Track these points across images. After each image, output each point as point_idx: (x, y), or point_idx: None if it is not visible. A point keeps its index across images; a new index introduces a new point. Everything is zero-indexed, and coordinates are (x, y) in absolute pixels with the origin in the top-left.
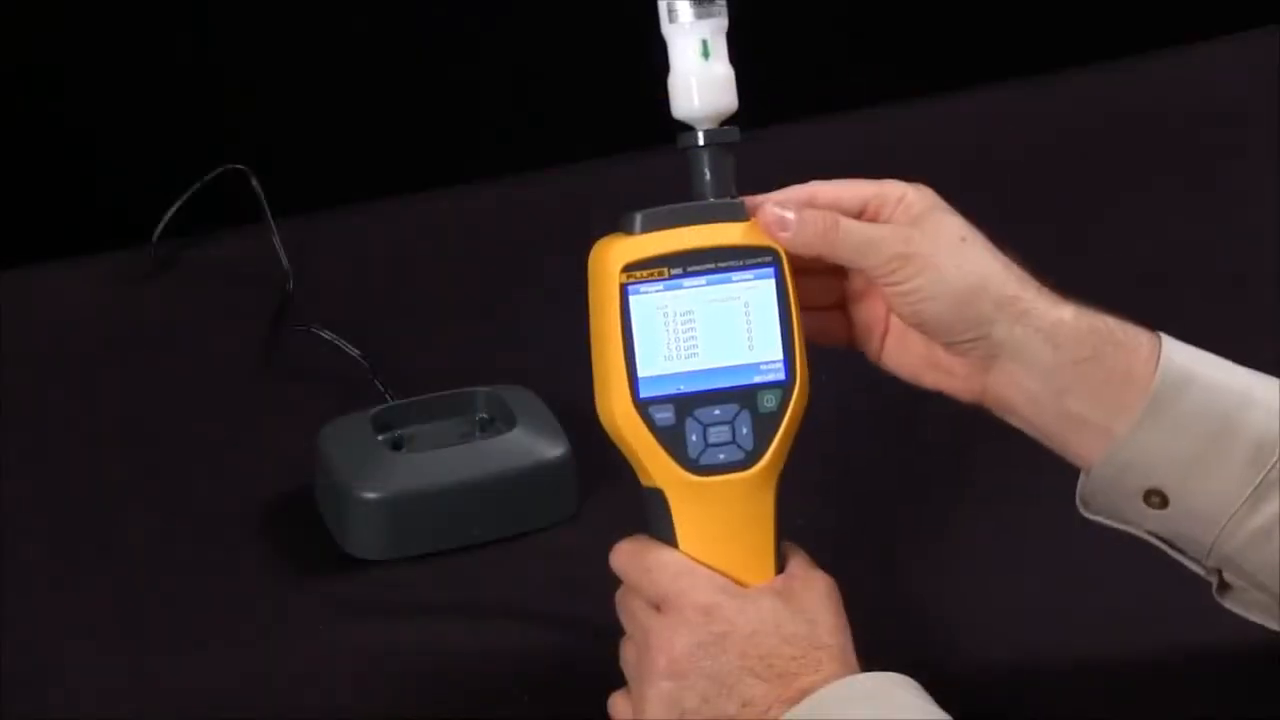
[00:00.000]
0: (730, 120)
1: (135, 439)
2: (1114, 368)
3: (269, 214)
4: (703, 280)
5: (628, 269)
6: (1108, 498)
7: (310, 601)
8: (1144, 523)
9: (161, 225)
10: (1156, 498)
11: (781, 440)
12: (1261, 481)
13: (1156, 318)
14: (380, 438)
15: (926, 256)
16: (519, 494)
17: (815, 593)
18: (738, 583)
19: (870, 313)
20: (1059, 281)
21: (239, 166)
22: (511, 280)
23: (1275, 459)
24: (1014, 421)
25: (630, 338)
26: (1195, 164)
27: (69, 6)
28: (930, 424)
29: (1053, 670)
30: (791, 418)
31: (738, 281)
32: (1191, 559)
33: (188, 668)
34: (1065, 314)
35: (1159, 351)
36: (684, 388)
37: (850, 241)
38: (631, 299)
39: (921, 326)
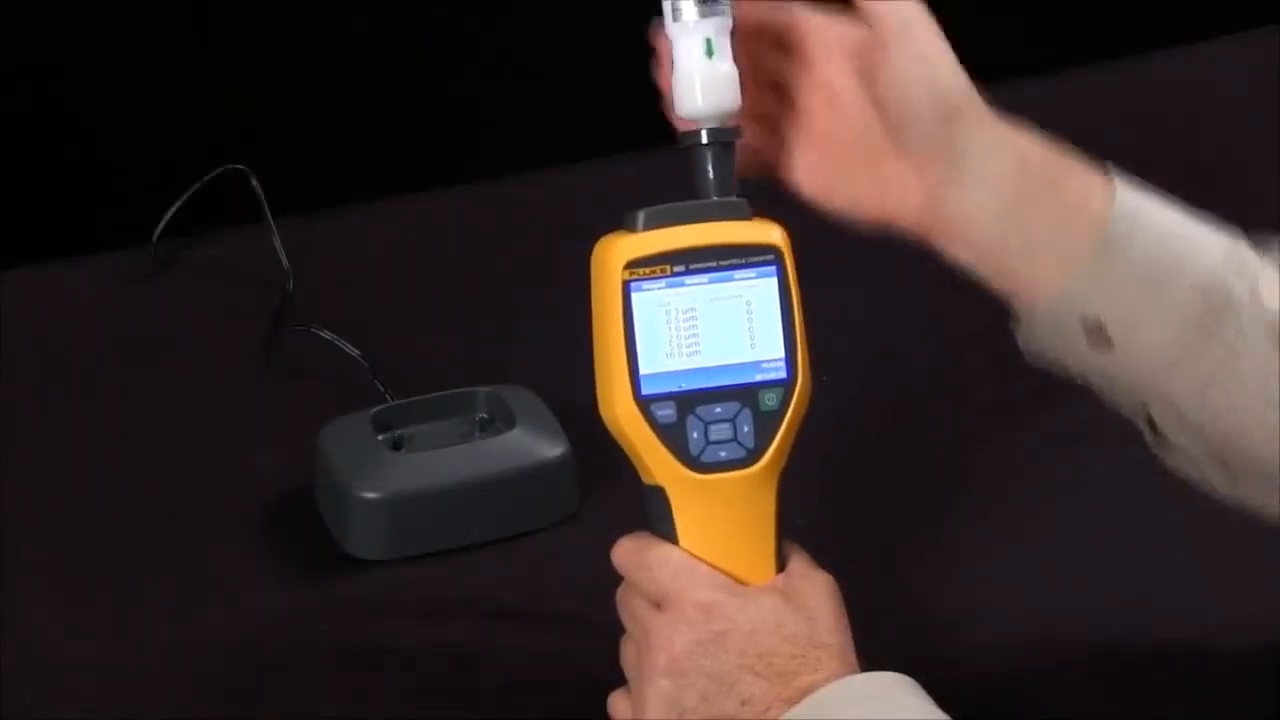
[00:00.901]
0: (733, 119)
1: (135, 439)
2: (1073, 195)
3: (269, 214)
4: (705, 278)
5: (630, 266)
6: (1051, 333)
7: (310, 601)
8: (1085, 362)
9: (161, 225)
10: (1100, 336)
11: (783, 439)
12: (1206, 325)
13: None
14: (380, 438)
15: (928, 36)
16: (519, 494)
17: (816, 591)
18: (738, 581)
19: (808, 124)
20: None
21: (239, 166)
22: (511, 280)
23: (1220, 302)
24: (959, 249)
25: (632, 335)
26: (1195, 164)
27: (69, 7)
28: (930, 424)
29: (1052, 670)
30: (793, 416)
31: (740, 280)
32: (1130, 405)
33: (188, 667)
34: (1028, 137)
35: (1113, 188)
36: (685, 385)
37: None
38: (634, 296)
39: (898, 112)
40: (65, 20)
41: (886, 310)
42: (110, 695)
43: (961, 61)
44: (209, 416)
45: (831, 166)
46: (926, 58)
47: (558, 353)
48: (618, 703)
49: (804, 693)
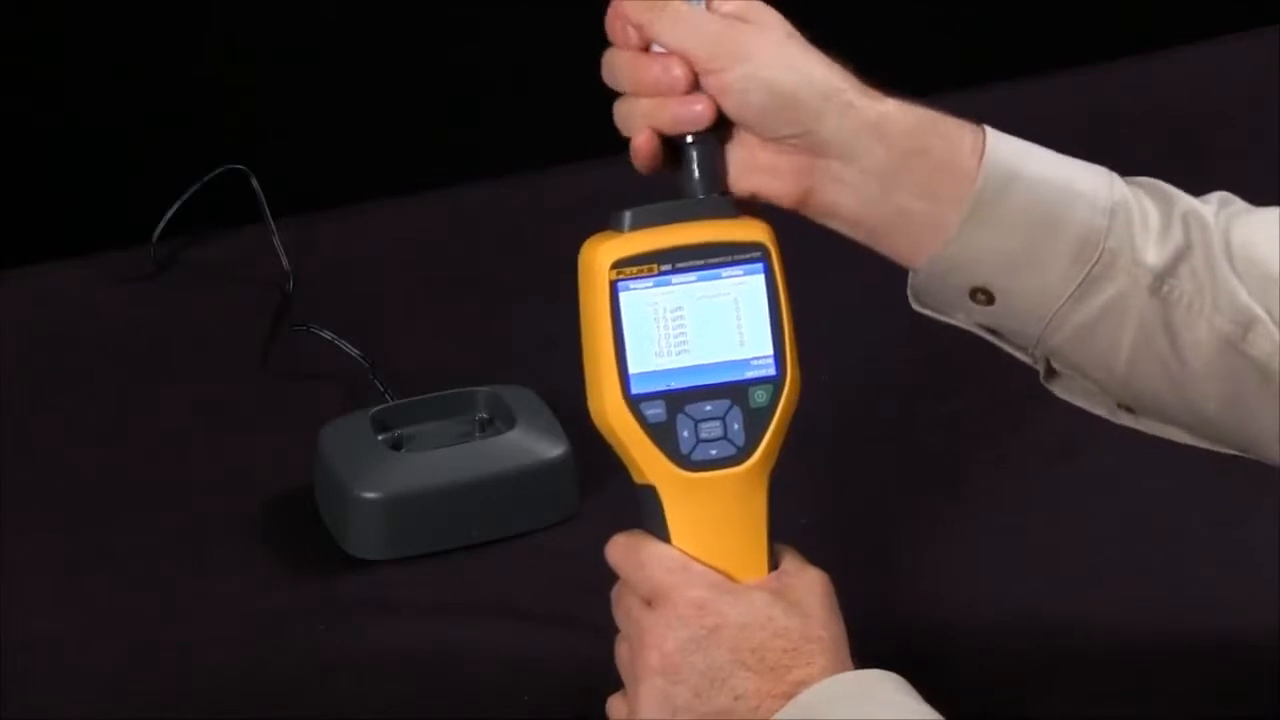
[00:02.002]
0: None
1: (135, 439)
2: (940, 160)
3: (269, 214)
4: (693, 276)
5: (617, 265)
6: (936, 295)
7: (310, 601)
8: (971, 317)
9: (161, 225)
10: (982, 295)
11: (773, 436)
12: (1085, 277)
13: None
14: (380, 438)
15: (750, 46)
16: (519, 494)
17: (808, 587)
18: (731, 578)
19: None
20: None
21: (239, 166)
22: (511, 280)
23: (1098, 254)
24: (837, 224)
25: (620, 335)
26: (1195, 164)
27: (69, 7)
28: (928, 425)
29: (1052, 669)
30: (783, 413)
31: (727, 278)
32: (1018, 349)
33: (187, 667)
34: (890, 107)
35: (984, 145)
36: (675, 384)
37: (674, 23)
38: (621, 296)
39: (744, 120)
40: (65, 21)
41: (885, 309)
42: (110, 695)
43: (962, 61)
44: (209, 416)
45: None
46: (758, 74)
47: (558, 353)
48: (614, 704)
49: (796, 686)
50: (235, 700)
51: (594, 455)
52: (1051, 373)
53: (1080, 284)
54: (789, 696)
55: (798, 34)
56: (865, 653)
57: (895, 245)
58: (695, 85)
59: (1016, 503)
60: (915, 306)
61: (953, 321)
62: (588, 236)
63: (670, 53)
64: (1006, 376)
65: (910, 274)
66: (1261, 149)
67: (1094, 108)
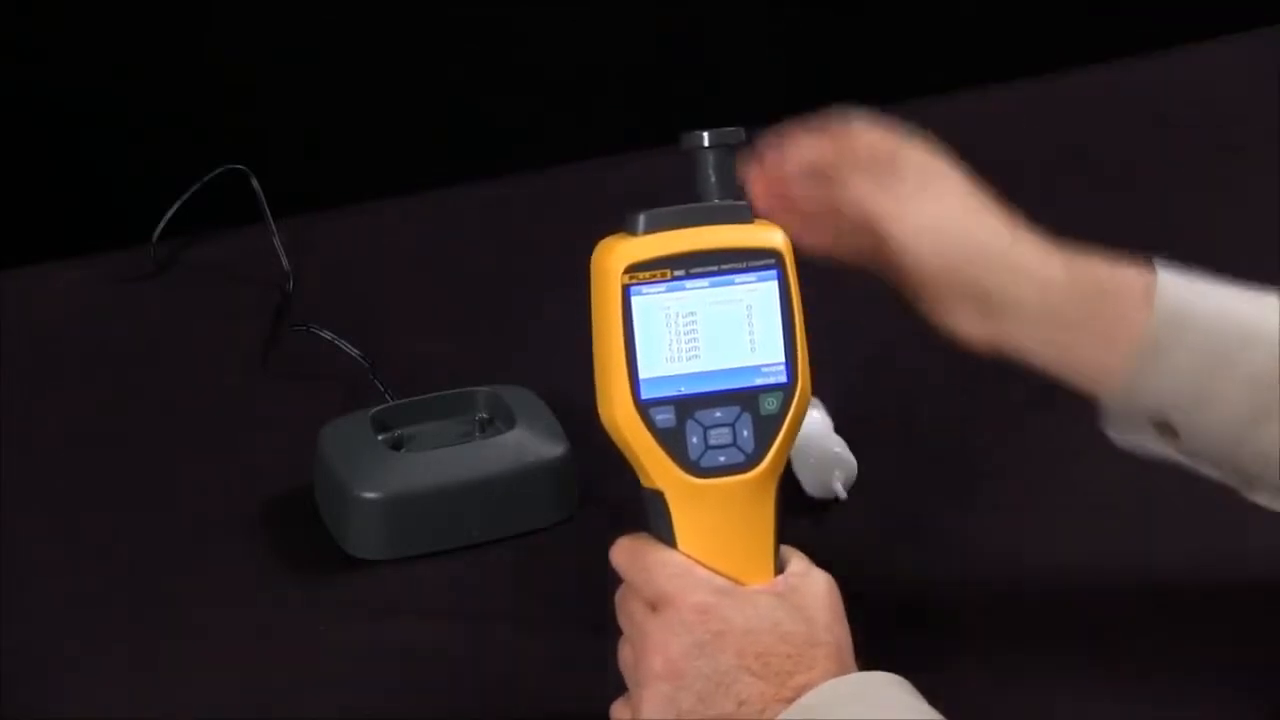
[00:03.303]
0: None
1: (135, 439)
2: (1110, 319)
3: (269, 214)
4: (705, 282)
5: (630, 270)
6: (1125, 430)
7: (310, 601)
8: (1163, 449)
9: (161, 225)
10: (1167, 430)
11: (782, 443)
12: (1261, 407)
13: None
14: (380, 438)
15: (934, 194)
16: (519, 494)
17: (813, 591)
18: (736, 583)
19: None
20: None
21: (239, 166)
22: (511, 280)
23: (1269, 393)
24: (1028, 362)
25: (632, 339)
26: (1195, 164)
27: (70, 7)
28: (930, 425)
29: (1052, 670)
30: (793, 420)
31: (740, 284)
32: (1214, 472)
33: (187, 668)
34: (1055, 271)
35: (1154, 292)
36: (685, 389)
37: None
38: (634, 300)
39: (911, 276)
40: (66, 21)
41: (886, 310)
42: (110, 695)
43: (962, 61)
44: (209, 416)
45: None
46: (928, 226)
47: (558, 353)
48: (618, 708)
49: (800, 691)
50: (235, 700)
51: (594, 455)
52: (1250, 484)
53: (1260, 414)
54: (792, 701)
55: (968, 186)
56: (867, 656)
57: (1079, 386)
58: None
59: (1017, 506)
60: (1110, 436)
61: (1148, 455)
62: (588, 236)
63: None
64: (1007, 381)
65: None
66: (1261, 149)
67: (1094, 108)
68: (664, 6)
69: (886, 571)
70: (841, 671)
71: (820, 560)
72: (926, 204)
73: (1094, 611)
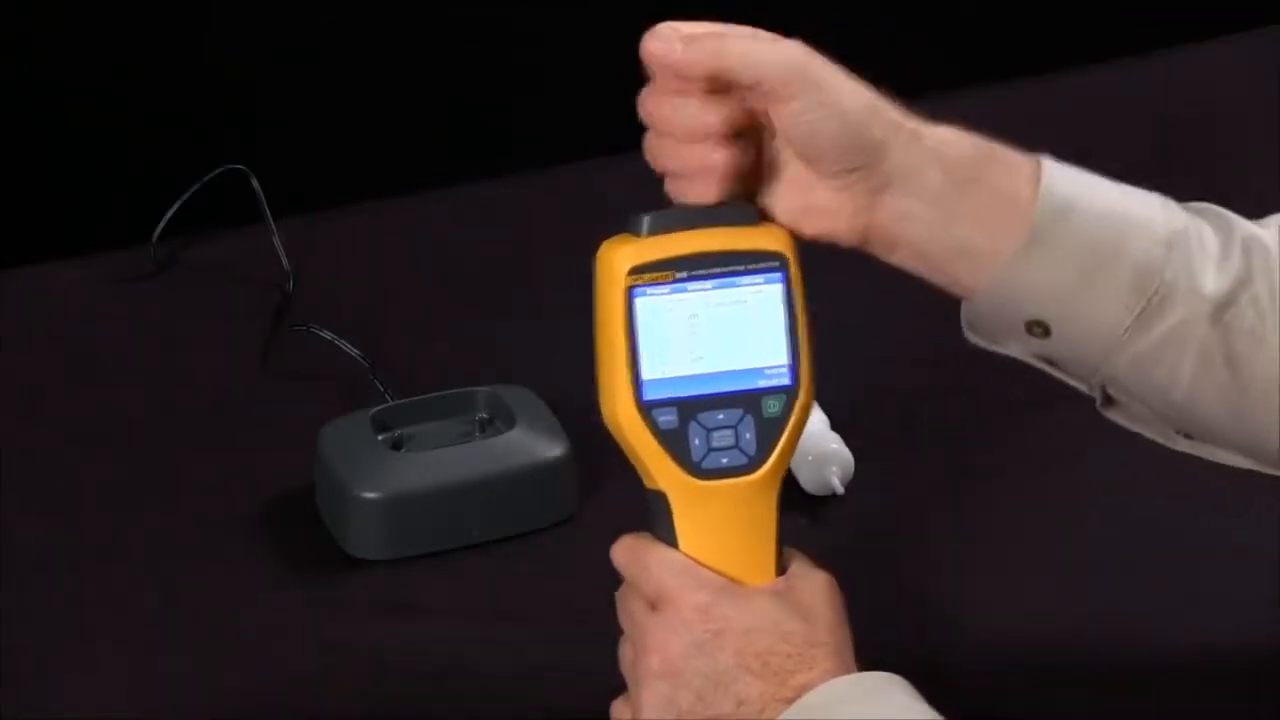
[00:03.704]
0: None
1: (135, 439)
2: (998, 190)
3: (269, 214)
4: (709, 284)
5: (634, 271)
6: (990, 326)
7: (310, 601)
8: (1027, 348)
9: (161, 225)
10: (1039, 328)
11: (785, 446)
12: (1144, 309)
13: None
14: (380, 438)
15: (821, 75)
16: (519, 494)
17: (814, 591)
18: (737, 584)
19: (747, 155)
20: None
21: (239, 166)
22: (511, 280)
23: (1156, 285)
24: (897, 258)
25: (635, 340)
26: (1195, 164)
27: (70, 7)
28: (928, 422)
29: (1052, 670)
30: (795, 423)
31: (744, 285)
32: (1075, 378)
33: (187, 668)
34: (948, 134)
35: (1040, 175)
36: (688, 391)
37: (742, 54)
38: (637, 301)
39: (814, 151)
40: (65, 21)
41: (886, 310)
42: (111, 695)
43: (962, 61)
44: (209, 416)
45: (771, 192)
46: (831, 100)
47: (558, 353)
48: (618, 708)
49: (800, 691)
50: (236, 700)
51: (594, 455)
52: (1108, 400)
53: (1139, 315)
54: (792, 701)
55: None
56: (867, 655)
57: (953, 276)
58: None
59: (1018, 503)
60: (969, 337)
61: (1007, 352)
62: (588, 236)
63: (733, 83)
64: (1006, 381)
65: (964, 304)
66: (1261, 149)
67: (1094, 108)
68: (664, 6)
69: (884, 568)
70: (842, 671)
71: (817, 556)
72: (827, 73)
73: (1093, 610)
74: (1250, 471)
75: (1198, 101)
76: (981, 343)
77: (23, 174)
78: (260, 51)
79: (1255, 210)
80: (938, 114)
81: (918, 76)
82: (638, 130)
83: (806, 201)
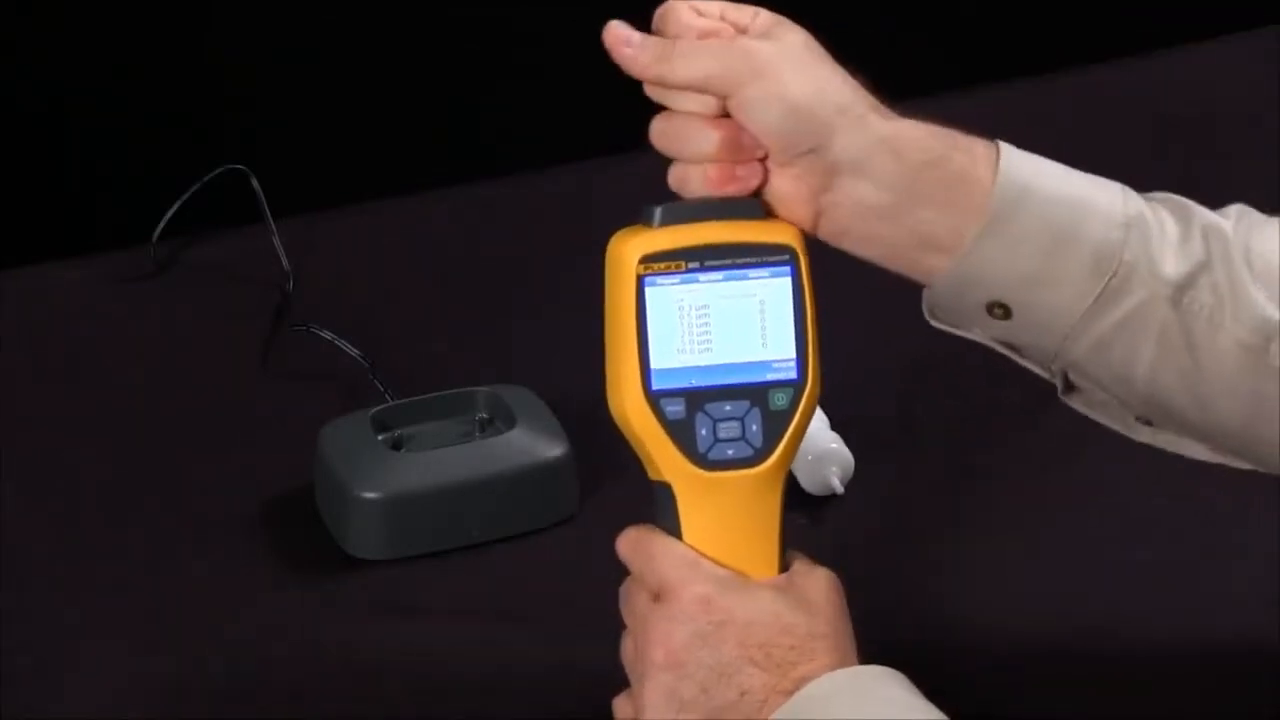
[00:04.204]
0: None
1: (135, 439)
2: (955, 173)
3: (269, 214)
4: (719, 275)
5: (645, 260)
6: (952, 310)
7: (310, 601)
8: (988, 331)
9: (161, 225)
10: (999, 310)
11: (790, 439)
12: (1103, 291)
13: None
14: (380, 438)
15: (766, 64)
16: (519, 494)
17: (816, 585)
18: (741, 576)
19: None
20: None
21: (239, 166)
22: (511, 280)
23: (1115, 267)
24: (851, 245)
25: (644, 329)
26: (1195, 164)
27: (70, 7)
28: (928, 422)
29: (1052, 668)
30: (802, 417)
31: (754, 278)
32: (1035, 363)
33: (187, 668)
34: (903, 123)
35: (998, 159)
36: (696, 382)
37: (686, 59)
38: (648, 290)
39: (765, 139)
40: (66, 21)
41: (887, 310)
42: (111, 695)
43: (961, 61)
44: (209, 416)
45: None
46: (774, 90)
47: (558, 353)
48: (620, 703)
49: (800, 682)
50: (235, 700)
51: (594, 455)
52: (1070, 387)
53: (1098, 298)
54: (792, 693)
55: (817, 46)
56: (867, 651)
57: (910, 262)
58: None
59: (1017, 505)
60: (931, 321)
61: (969, 336)
62: (587, 236)
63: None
64: (1006, 380)
65: (925, 289)
66: (1261, 149)
67: (1094, 108)
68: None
69: (883, 567)
70: (842, 665)
71: (817, 557)
72: (773, 61)
73: (1093, 610)
74: (1250, 472)
75: (1198, 101)
76: (944, 327)
77: (23, 174)
78: (260, 51)
79: (1255, 210)
80: (938, 114)
81: (918, 76)
82: (638, 130)
83: (769, 189)
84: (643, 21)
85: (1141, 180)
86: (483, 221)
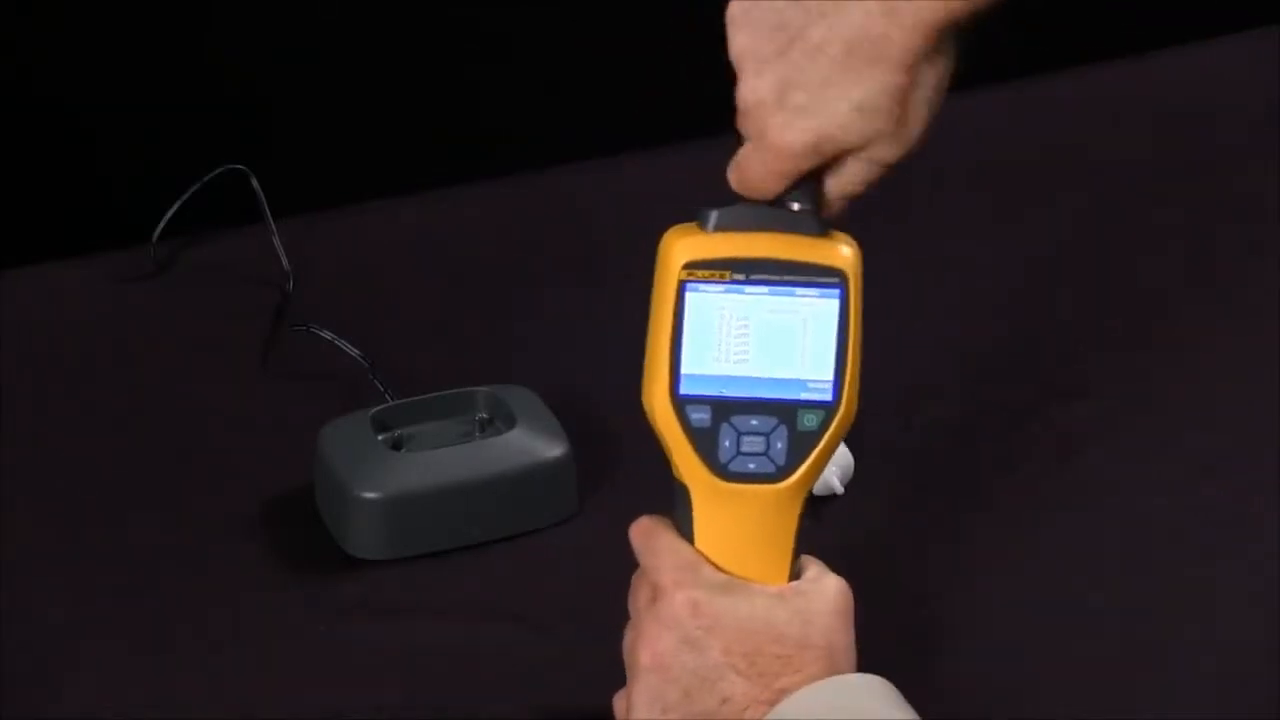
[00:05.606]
0: None
1: (135, 439)
2: None
3: (269, 214)
4: (764, 290)
5: (689, 266)
6: None
7: (310, 601)
8: None
9: (161, 225)
10: None
11: (815, 461)
12: None
13: (1156, 318)
14: (380, 438)
15: None
16: (519, 494)
17: (821, 595)
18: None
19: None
20: (1059, 277)
21: (239, 166)
22: (511, 280)
23: None
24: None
25: (679, 333)
26: (1195, 164)
27: (70, 7)
28: (928, 422)
29: (1049, 669)
30: (830, 440)
31: (801, 296)
32: None
33: (187, 667)
34: None
35: None
36: (726, 392)
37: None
38: (688, 295)
39: None
40: (65, 20)
41: (888, 311)
42: (111, 695)
43: (962, 60)
44: (209, 416)
45: None
46: None
47: (558, 353)
48: (618, 701)
49: (783, 694)
50: (236, 700)
51: (594, 455)
52: None
53: None
54: (774, 704)
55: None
56: (866, 655)
57: None
58: None
59: (1017, 505)
60: None
61: None
62: (588, 236)
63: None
64: (1005, 380)
65: None
66: (1261, 149)
67: (1094, 108)
68: (665, 6)
69: (883, 568)
70: (830, 676)
71: (816, 555)
72: None
73: (1093, 610)
74: (1250, 472)
75: (1198, 101)
76: None
77: (23, 174)
78: (260, 51)
79: (1255, 210)
80: (938, 114)
81: None
82: (638, 130)
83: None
84: (643, 21)
85: (1142, 180)
86: (483, 221)
